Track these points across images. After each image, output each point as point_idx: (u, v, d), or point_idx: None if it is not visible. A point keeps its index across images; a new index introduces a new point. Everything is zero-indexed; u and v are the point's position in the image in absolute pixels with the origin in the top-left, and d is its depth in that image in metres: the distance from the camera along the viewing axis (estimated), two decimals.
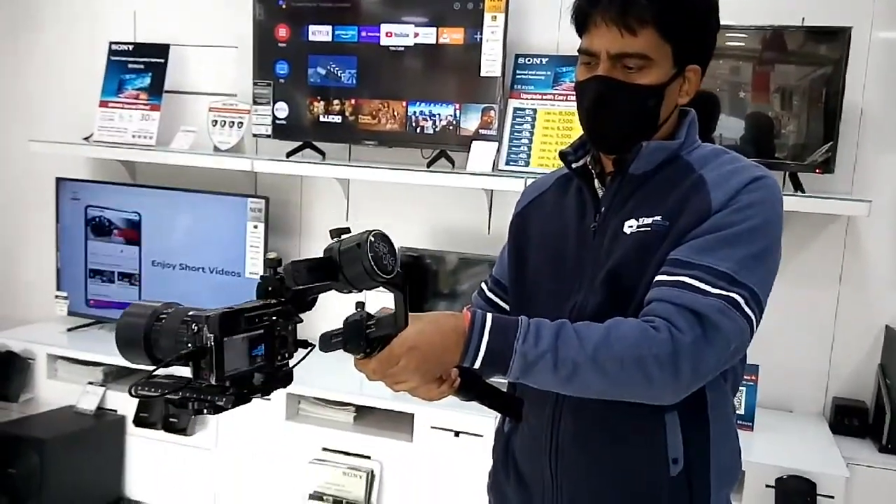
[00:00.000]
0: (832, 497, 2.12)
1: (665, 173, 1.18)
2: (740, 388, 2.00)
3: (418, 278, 2.71)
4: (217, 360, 0.92)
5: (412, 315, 1.06)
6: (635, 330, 1.05)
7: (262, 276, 1.01)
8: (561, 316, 1.13)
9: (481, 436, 2.44)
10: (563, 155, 1.28)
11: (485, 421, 2.44)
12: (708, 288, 1.05)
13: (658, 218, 1.13)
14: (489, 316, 1.08)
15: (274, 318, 0.99)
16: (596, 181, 1.24)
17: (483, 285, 1.44)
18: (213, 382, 0.93)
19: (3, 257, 3.51)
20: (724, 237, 1.08)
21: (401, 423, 2.54)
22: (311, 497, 2.54)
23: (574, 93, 1.25)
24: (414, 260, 2.71)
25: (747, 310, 1.06)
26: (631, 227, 1.16)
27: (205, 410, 0.95)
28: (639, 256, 1.13)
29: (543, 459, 1.23)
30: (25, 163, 3.33)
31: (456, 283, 2.75)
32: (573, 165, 1.27)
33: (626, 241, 1.16)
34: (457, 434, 2.47)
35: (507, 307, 1.37)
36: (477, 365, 1.07)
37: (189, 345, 0.94)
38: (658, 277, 1.09)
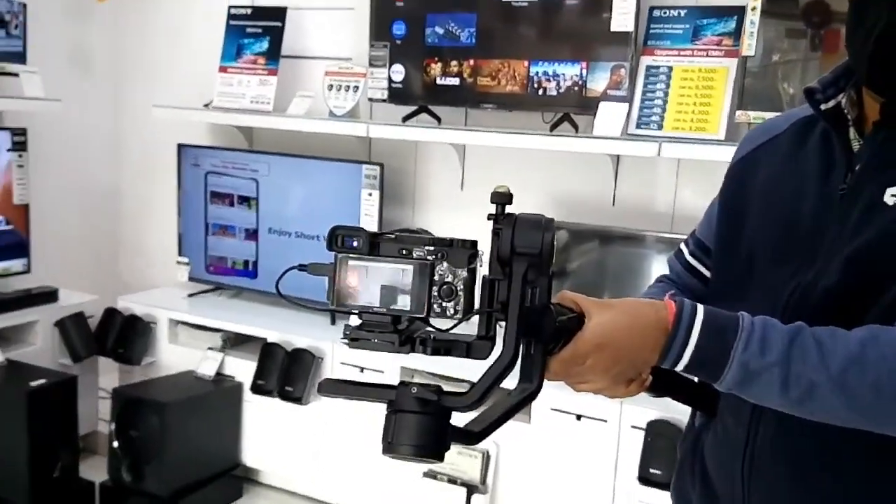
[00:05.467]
0: None
1: None
2: None
3: None
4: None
5: (599, 302, 0.88)
6: None
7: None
8: (778, 296, 0.93)
9: (605, 421, 2.28)
10: (809, 92, 0.98)
11: (609, 406, 2.27)
12: None
13: None
14: (700, 309, 0.87)
15: None
16: (851, 130, 0.96)
17: (682, 247, 1.19)
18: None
19: (129, 223, 3.61)
20: None
21: None
22: (426, 475, 2.46)
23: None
24: None
25: None
26: (895, 195, 0.89)
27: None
28: None
29: (735, 467, 1.00)
30: (149, 130, 3.39)
31: (572, 258, 2.57)
32: (822, 107, 0.97)
33: (885, 214, 0.89)
34: (578, 418, 2.32)
35: (709, 276, 1.13)
36: (679, 368, 0.87)
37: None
38: None
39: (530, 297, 0.85)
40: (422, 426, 0.82)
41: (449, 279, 0.83)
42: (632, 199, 2.62)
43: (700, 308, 0.87)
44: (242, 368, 2.84)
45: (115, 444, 2.63)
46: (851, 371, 0.81)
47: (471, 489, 2.41)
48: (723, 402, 1.04)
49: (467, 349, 0.84)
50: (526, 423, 2.39)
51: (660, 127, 2.40)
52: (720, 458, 1.04)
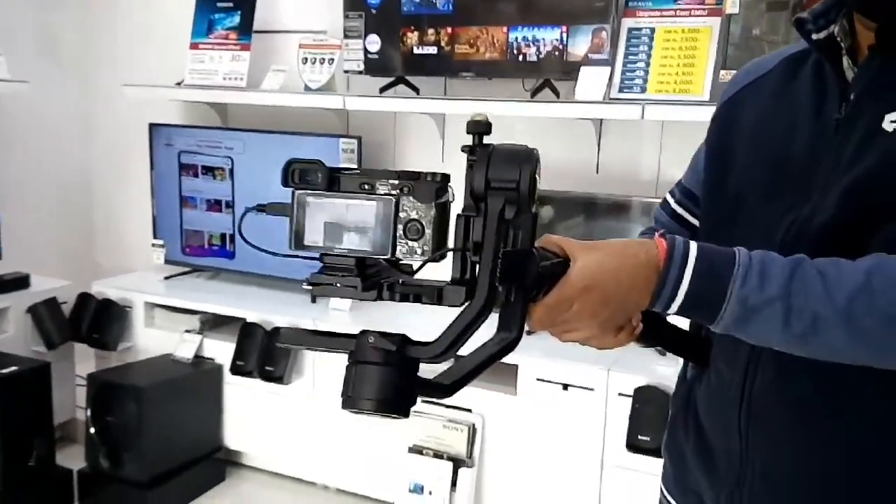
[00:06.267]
0: None
1: None
2: None
3: None
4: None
5: (585, 243, 0.82)
6: None
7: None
8: (772, 235, 0.87)
9: (592, 389, 2.24)
10: (799, 22, 0.94)
11: (596, 373, 2.23)
12: None
13: None
14: (693, 245, 0.81)
15: None
16: (845, 59, 0.91)
17: (668, 197, 1.14)
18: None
19: (103, 207, 3.52)
20: None
21: (504, 374, 2.36)
22: (411, 450, 2.42)
23: None
24: None
25: None
26: (895, 121, 0.84)
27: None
28: None
29: (731, 417, 0.94)
30: (121, 111, 3.30)
31: (557, 227, 2.52)
32: (813, 37, 0.92)
33: (884, 142, 0.83)
34: (565, 387, 2.28)
35: (697, 224, 1.07)
36: (673, 310, 0.81)
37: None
38: None
39: (512, 238, 0.79)
40: (384, 379, 0.75)
41: (415, 216, 0.76)
42: (616, 166, 2.58)
43: (693, 244, 0.81)
44: (222, 350, 2.77)
45: (92, 430, 2.57)
46: (858, 301, 0.75)
47: (457, 463, 2.36)
48: (716, 348, 0.98)
49: (438, 295, 0.77)
50: (512, 394, 2.34)
51: (643, 90, 2.35)
52: (715, 409, 0.98)
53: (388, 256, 0.76)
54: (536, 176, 0.78)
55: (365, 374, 0.75)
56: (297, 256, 0.79)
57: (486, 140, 0.79)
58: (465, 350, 0.78)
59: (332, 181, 0.78)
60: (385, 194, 0.77)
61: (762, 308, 0.77)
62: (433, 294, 0.77)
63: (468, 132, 0.79)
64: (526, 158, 0.77)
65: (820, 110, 0.91)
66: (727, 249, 0.81)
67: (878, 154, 0.83)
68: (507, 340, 0.79)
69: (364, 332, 0.76)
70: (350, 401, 0.75)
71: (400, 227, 0.76)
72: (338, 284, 0.78)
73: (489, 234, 0.76)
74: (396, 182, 0.77)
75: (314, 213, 0.78)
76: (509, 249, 0.78)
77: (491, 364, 0.79)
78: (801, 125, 0.92)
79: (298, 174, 0.78)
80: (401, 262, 0.79)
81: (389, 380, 0.75)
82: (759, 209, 0.93)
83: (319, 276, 0.78)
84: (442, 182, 0.77)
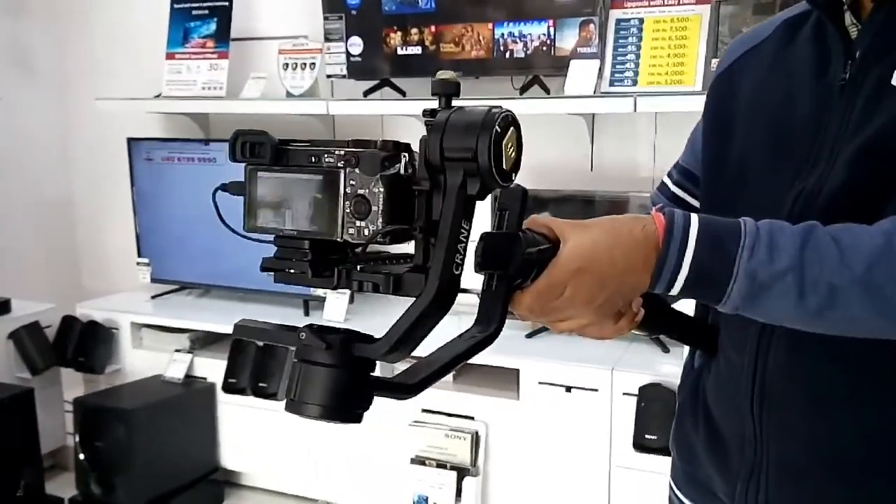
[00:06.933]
0: None
1: None
2: None
3: None
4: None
5: (575, 222, 0.75)
6: None
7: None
8: (778, 209, 0.81)
9: (596, 390, 2.19)
10: None
11: (599, 374, 2.18)
12: None
13: None
14: (694, 218, 0.74)
15: None
16: (847, 15, 0.85)
17: (666, 179, 1.07)
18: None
19: (85, 227, 3.44)
20: None
21: (505, 379, 2.31)
22: (413, 461, 2.35)
23: None
24: None
25: None
26: None
27: None
28: None
29: (743, 403, 0.88)
30: (99, 125, 3.21)
31: None
32: None
33: (894, 99, 0.77)
34: (568, 389, 2.22)
35: (698, 206, 0.99)
36: (675, 291, 0.74)
37: None
38: None
39: (498, 220, 0.72)
40: (330, 382, 0.67)
41: (362, 191, 0.66)
42: (610, 162, 2.53)
43: (694, 217, 0.74)
44: (214, 369, 2.69)
45: (81, 456, 2.49)
46: (879, 267, 0.69)
47: (461, 472, 2.30)
48: (724, 332, 0.92)
49: (396, 284, 0.67)
50: (514, 399, 2.28)
51: (634, 83, 2.30)
52: (725, 396, 0.91)
53: (334, 238, 0.67)
54: (507, 145, 0.67)
55: (309, 376, 0.67)
56: (258, 240, 0.72)
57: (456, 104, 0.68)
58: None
59: (280, 154, 0.69)
60: (330, 167, 0.67)
61: (773, 283, 0.71)
62: (388, 283, 0.67)
63: (433, 93, 0.69)
64: (487, 123, 0.65)
65: (822, 73, 0.85)
66: (732, 220, 0.75)
67: (889, 113, 0.77)
68: (483, 336, 0.71)
69: (310, 327, 0.68)
70: (293, 405, 0.68)
71: (348, 203, 0.66)
72: (291, 270, 0.70)
73: (447, 212, 0.66)
74: (342, 153, 0.67)
75: (263, 190, 0.70)
76: (490, 232, 0.71)
77: (463, 361, 0.71)
78: (803, 91, 0.86)
79: (249, 147, 0.70)
80: (350, 244, 0.68)
81: (336, 383, 0.67)
82: (763, 183, 0.87)
83: (272, 259, 0.71)
84: (392, 151, 0.66)
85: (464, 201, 0.66)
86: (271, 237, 0.71)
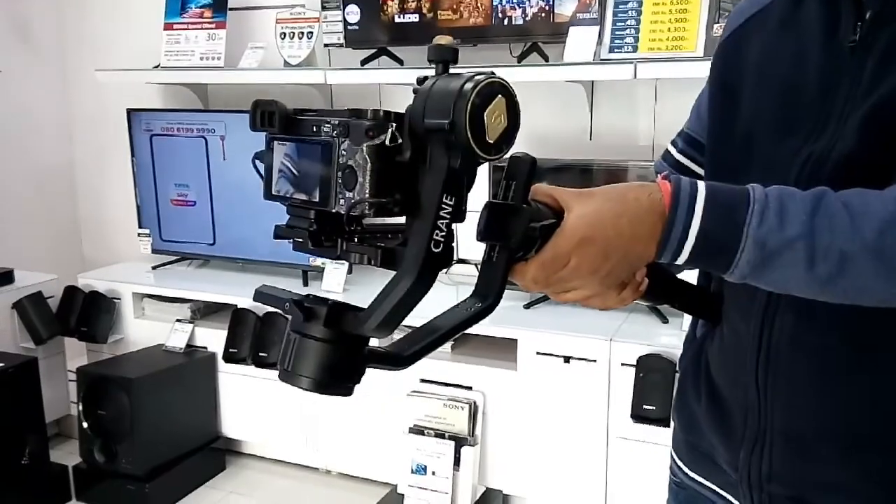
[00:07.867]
0: None
1: None
2: None
3: None
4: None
5: (579, 191, 0.73)
6: None
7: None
8: (786, 174, 0.78)
9: (594, 361, 2.18)
10: None
11: (597, 344, 2.17)
12: None
13: None
14: (701, 185, 0.72)
15: None
16: None
17: (670, 147, 1.05)
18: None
19: (87, 197, 3.44)
20: None
21: (503, 349, 2.31)
22: (412, 431, 2.36)
23: None
24: None
25: None
26: None
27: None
28: None
29: (747, 373, 0.86)
30: (99, 96, 3.21)
31: None
32: None
33: None
34: (566, 360, 2.21)
35: (703, 175, 0.96)
36: (682, 260, 0.72)
37: None
38: None
39: (504, 190, 0.70)
40: (323, 357, 0.67)
41: (351, 162, 0.65)
42: (610, 131, 2.50)
43: (701, 184, 0.73)
44: (215, 338, 2.71)
45: (85, 424, 2.51)
46: (890, 233, 0.67)
47: (459, 442, 2.31)
48: (728, 300, 0.90)
49: (384, 258, 0.67)
50: (512, 369, 2.28)
51: (634, 49, 2.26)
52: (729, 364, 0.90)
53: (328, 209, 0.67)
54: (493, 114, 0.65)
55: (303, 349, 0.68)
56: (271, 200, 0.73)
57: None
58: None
59: (291, 123, 0.70)
60: (327, 137, 0.67)
61: (782, 251, 0.69)
62: (377, 257, 0.67)
63: (429, 59, 0.67)
64: (464, 93, 0.62)
65: (832, 34, 0.82)
66: (740, 187, 0.73)
67: None
68: (479, 308, 0.71)
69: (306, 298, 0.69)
70: (286, 375, 0.69)
71: (340, 174, 0.66)
72: (297, 239, 0.71)
73: (427, 186, 0.65)
74: (337, 122, 0.66)
75: (276, 158, 0.71)
76: (494, 201, 0.69)
77: (456, 334, 0.71)
78: (812, 52, 0.83)
79: (267, 117, 0.70)
80: (342, 215, 0.67)
81: (326, 358, 0.67)
82: (771, 148, 0.85)
83: (283, 227, 0.72)
84: (377, 120, 0.65)
85: (446, 174, 0.65)
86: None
